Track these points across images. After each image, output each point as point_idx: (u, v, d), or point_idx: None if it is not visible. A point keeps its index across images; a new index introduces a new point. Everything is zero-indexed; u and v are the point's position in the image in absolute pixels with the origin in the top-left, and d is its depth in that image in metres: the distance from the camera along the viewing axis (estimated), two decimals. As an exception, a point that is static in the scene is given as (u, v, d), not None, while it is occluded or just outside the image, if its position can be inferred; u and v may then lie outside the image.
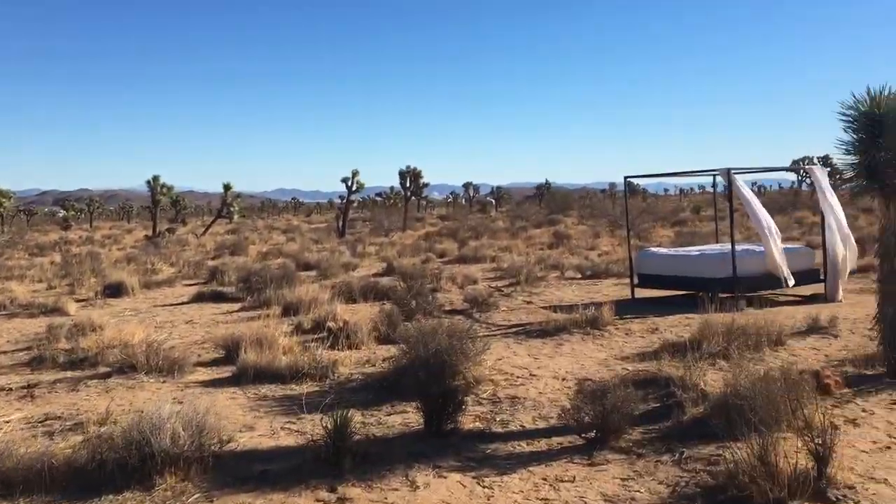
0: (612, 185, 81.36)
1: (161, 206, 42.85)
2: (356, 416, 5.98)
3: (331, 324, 9.48)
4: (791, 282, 11.12)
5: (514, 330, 9.84)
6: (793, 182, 63.58)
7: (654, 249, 13.94)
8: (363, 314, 10.01)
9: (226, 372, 7.89)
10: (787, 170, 22.21)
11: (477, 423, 5.84)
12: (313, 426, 5.75)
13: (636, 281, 12.61)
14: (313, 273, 17.95)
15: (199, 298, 14.38)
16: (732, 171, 11.35)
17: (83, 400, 6.95)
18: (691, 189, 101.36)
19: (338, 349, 8.54)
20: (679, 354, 7.20)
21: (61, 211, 79.44)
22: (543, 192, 68.88)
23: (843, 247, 11.20)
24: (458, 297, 12.79)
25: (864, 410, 5.67)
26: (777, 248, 11.10)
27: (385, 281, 14.64)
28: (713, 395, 5.75)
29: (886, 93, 6.12)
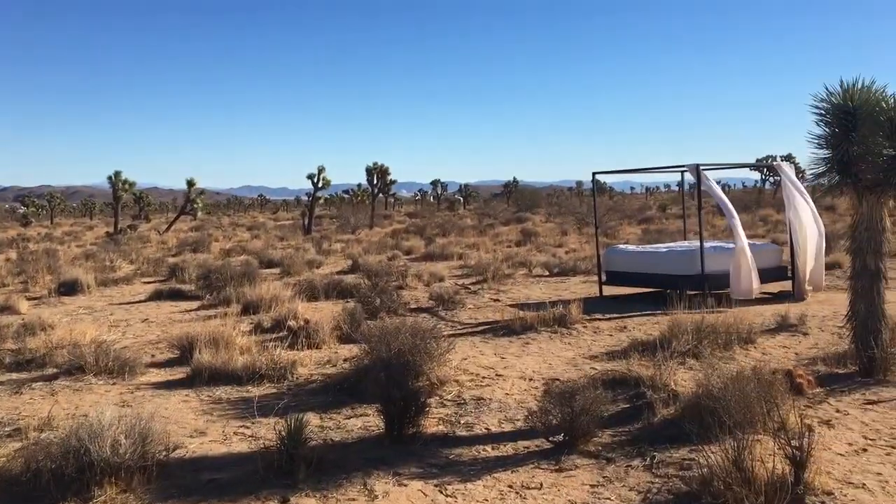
0: (580, 182, 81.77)
1: (123, 203, 41.98)
2: (314, 420, 5.72)
3: (291, 322, 9.17)
4: (738, 298, 10.54)
5: (480, 328, 9.61)
6: (756, 181, 64.44)
7: (622, 247, 13.82)
8: (326, 312, 9.69)
9: (179, 373, 7.54)
10: (755, 167, 22.31)
11: (440, 427, 5.59)
12: (268, 431, 5.46)
13: (604, 278, 12.46)
14: (276, 270, 17.57)
15: (157, 296, 13.93)
16: (701, 167, 11.24)
17: (26, 403, 6.58)
18: (657, 187, 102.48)
19: (298, 349, 8.23)
20: (648, 353, 7.03)
21: (21, 207, 77.72)
22: (511, 190, 68.94)
23: (818, 240, 11.10)
24: (423, 295, 12.54)
25: (837, 411, 5.52)
26: (747, 257, 10.78)
27: (350, 278, 14.33)
28: (684, 396, 5.59)
29: (860, 85, 5.97)
